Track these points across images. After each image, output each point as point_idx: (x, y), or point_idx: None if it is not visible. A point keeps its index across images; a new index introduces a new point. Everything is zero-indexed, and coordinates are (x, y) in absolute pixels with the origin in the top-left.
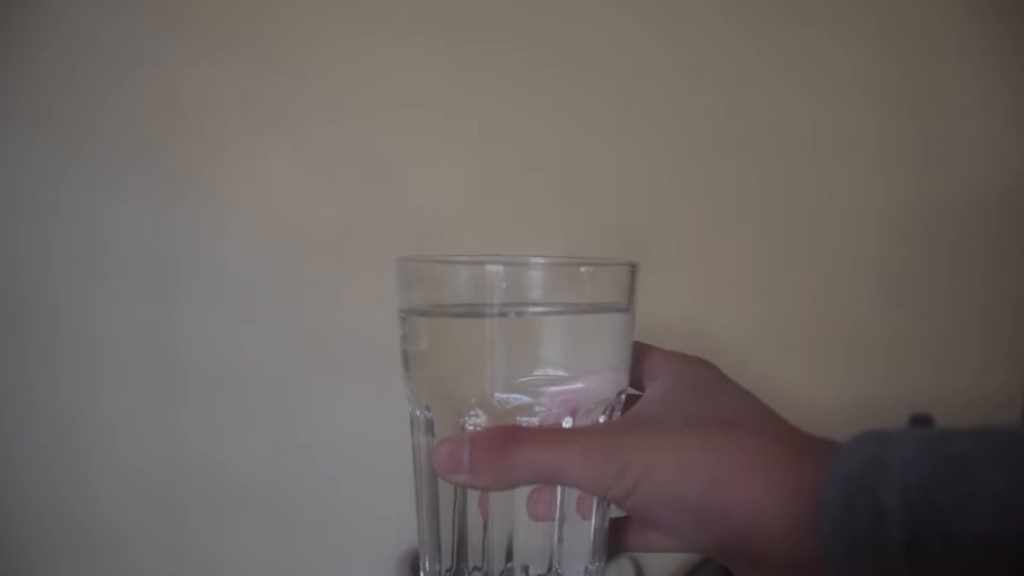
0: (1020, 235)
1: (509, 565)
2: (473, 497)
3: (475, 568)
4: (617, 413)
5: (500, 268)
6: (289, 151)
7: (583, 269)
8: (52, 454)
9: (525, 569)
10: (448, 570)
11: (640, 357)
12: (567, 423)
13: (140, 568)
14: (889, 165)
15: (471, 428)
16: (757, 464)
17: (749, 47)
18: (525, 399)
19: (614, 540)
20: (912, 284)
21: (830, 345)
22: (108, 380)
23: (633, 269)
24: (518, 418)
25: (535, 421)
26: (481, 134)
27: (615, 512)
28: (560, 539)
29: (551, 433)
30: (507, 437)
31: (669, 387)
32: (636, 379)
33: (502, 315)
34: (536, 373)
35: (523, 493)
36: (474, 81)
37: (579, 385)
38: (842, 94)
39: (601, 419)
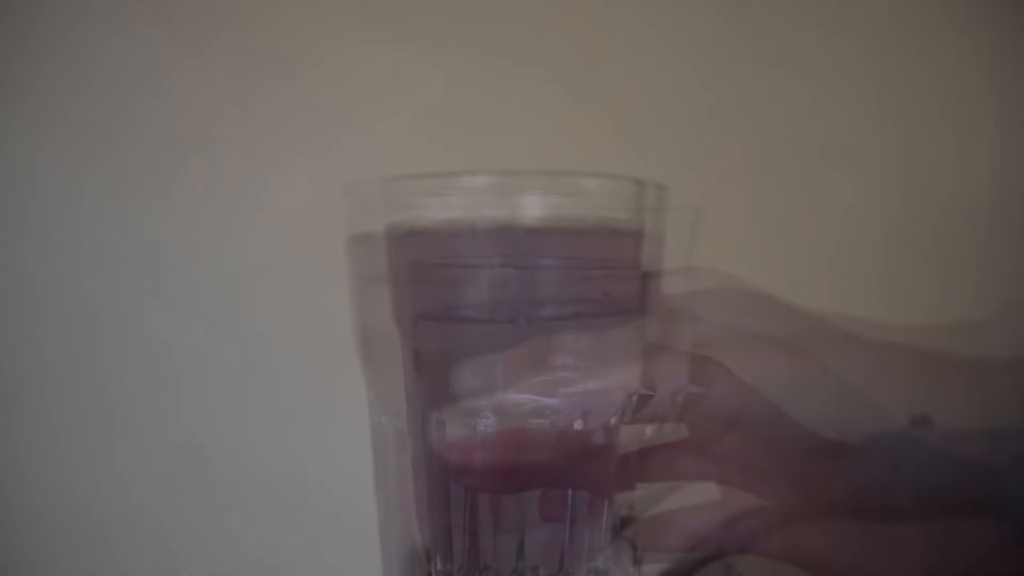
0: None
1: (520, 565)
2: (484, 497)
3: (486, 567)
4: (628, 414)
5: (511, 269)
6: (291, 152)
7: (596, 272)
8: (51, 450)
9: (535, 570)
10: (459, 569)
11: (652, 358)
12: (578, 425)
13: (140, 565)
14: (890, 170)
15: (482, 430)
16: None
17: (748, 51)
18: (536, 401)
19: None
20: (911, 286)
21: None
22: (109, 379)
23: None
24: (529, 420)
25: (546, 423)
26: (481, 138)
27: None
28: (571, 539)
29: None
30: (518, 440)
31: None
32: (648, 380)
33: (512, 316)
34: (547, 375)
35: (534, 493)
36: (475, 85)
37: (591, 386)
38: (843, 99)
39: (612, 420)
